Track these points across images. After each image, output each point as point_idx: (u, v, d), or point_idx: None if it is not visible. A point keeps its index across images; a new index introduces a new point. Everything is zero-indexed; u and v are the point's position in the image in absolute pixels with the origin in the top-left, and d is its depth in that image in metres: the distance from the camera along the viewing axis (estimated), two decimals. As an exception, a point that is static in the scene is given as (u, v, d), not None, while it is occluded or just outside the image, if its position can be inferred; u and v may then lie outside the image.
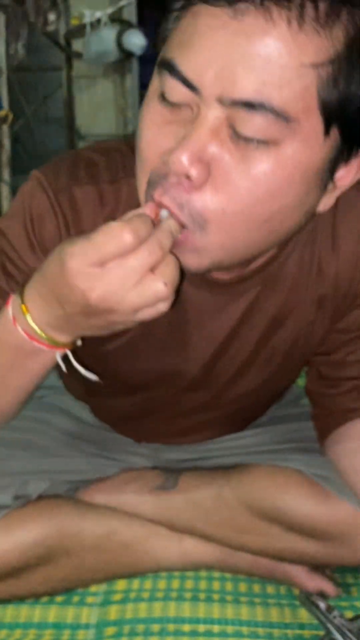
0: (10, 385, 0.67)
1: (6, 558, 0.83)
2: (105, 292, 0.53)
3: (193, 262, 0.59)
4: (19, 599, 0.91)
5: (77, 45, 2.25)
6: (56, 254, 0.56)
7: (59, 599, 0.93)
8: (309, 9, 0.48)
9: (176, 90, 0.52)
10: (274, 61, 0.49)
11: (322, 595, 0.90)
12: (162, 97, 0.54)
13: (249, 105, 0.50)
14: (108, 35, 2.08)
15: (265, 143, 0.52)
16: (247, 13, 0.48)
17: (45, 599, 0.93)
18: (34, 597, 0.92)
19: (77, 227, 0.68)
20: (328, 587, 0.90)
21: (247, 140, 0.52)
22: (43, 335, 0.60)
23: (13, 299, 0.61)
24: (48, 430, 0.96)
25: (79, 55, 2.24)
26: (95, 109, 2.31)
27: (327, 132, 0.53)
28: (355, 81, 0.52)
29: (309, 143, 0.53)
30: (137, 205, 0.61)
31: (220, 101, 0.51)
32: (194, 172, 0.52)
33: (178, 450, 1.00)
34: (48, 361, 0.64)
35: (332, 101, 0.52)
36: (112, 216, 0.64)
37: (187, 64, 0.51)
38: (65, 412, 1.02)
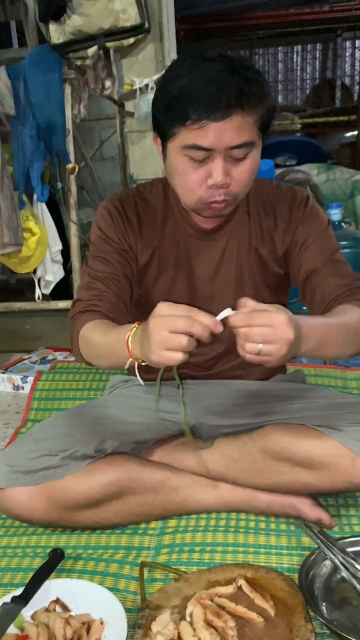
0: (106, 362, 1.11)
1: (91, 492, 1.19)
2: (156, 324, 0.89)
3: (228, 211, 1.17)
4: (101, 527, 1.26)
5: (128, 106, 2.62)
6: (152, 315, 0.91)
7: (128, 531, 1.27)
8: (244, 109, 1.05)
9: (199, 154, 1.07)
10: (241, 127, 1.06)
11: (320, 525, 1.20)
12: (191, 159, 1.08)
13: (238, 147, 1.07)
14: (154, 98, 2.42)
15: (245, 157, 1.09)
16: (227, 118, 1.04)
17: (118, 530, 1.27)
18: (111, 526, 1.26)
19: (124, 214, 1.27)
20: (325, 516, 1.21)
21: (239, 159, 1.08)
22: (133, 351, 0.97)
23: (132, 331, 0.98)
24: (120, 406, 1.32)
25: (130, 114, 2.58)
26: (144, 158, 2.65)
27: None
28: (266, 122, 1.11)
29: (259, 147, 1.12)
30: (156, 200, 1.28)
31: (225, 149, 1.06)
32: (228, 180, 1.09)
33: (210, 394, 1.33)
34: (124, 361, 1.01)
35: (260, 130, 1.11)
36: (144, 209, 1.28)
37: (206, 143, 1.06)
38: (129, 395, 1.38)
